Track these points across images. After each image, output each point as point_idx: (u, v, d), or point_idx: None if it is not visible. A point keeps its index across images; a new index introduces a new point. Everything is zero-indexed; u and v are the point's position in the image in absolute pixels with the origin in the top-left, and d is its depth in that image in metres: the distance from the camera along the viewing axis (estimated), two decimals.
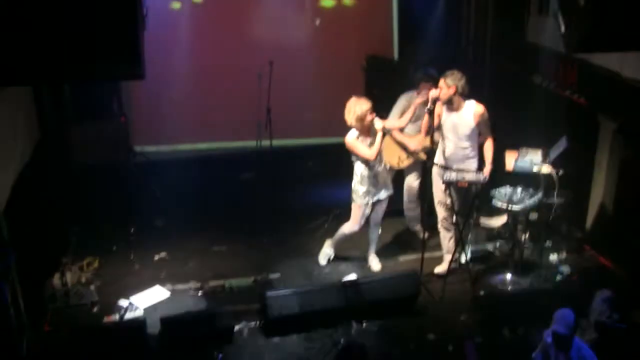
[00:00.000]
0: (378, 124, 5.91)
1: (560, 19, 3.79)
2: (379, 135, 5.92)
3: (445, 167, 5.99)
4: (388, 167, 6.49)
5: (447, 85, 5.79)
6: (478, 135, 6.03)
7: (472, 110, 5.88)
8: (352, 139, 5.99)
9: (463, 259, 6.37)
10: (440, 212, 6.26)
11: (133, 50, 3.16)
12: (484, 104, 5.98)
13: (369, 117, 5.89)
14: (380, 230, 6.58)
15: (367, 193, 6.15)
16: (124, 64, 3.21)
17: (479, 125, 5.93)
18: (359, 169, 6.09)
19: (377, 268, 6.53)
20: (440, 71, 6.06)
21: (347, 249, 6.75)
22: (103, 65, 3.21)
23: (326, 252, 6.59)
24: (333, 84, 7.17)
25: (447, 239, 6.31)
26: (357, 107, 5.88)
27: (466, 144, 5.98)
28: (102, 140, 7.69)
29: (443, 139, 6.08)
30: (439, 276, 6.27)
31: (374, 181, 6.12)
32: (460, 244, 6.13)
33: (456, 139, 5.98)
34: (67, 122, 7.71)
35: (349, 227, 6.35)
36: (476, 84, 7.49)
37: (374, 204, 6.26)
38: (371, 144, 6.00)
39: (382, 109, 8.60)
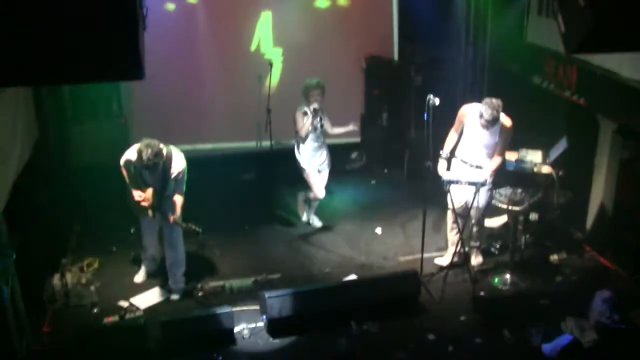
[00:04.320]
0: (315, 105, 6.50)
1: (560, 19, 3.78)
2: (311, 116, 6.54)
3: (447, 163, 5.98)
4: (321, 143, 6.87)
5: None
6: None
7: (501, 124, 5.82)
8: (297, 110, 6.69)
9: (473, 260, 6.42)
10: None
11: (133, 51, 3.15)
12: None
13: (311, 96, 6.52)
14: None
15: (307, 162, 6.85)
16: (124, 64, 3.20)
17: (503, 138, 5.87)
18: (297, 141, 6.85)
19: (318, 224, 7.28)
20: (435, 71, 6.03)
21: (347, 250, 6.76)
22: (103, 65, 3.20)
23: (306, 215, 7.36)
24: (333, 85, 7.17)
25: (452, 232, 6.31)
26: (306, 82, 6.61)
27: (485, 151, 5.94)
28: (101, 141, 7.69)
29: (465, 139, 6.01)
30: (440, 268, 6.30)
31: (310, 153, 6.82)
32: (461, 240, 6.13)
33: (478, 144, 5.93)
34: (67, 122, 7.72)
35: (313, 195, 7.04)
36: (476, 85, 7.53)
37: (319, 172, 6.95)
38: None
39: (382, 109, 8.69)
